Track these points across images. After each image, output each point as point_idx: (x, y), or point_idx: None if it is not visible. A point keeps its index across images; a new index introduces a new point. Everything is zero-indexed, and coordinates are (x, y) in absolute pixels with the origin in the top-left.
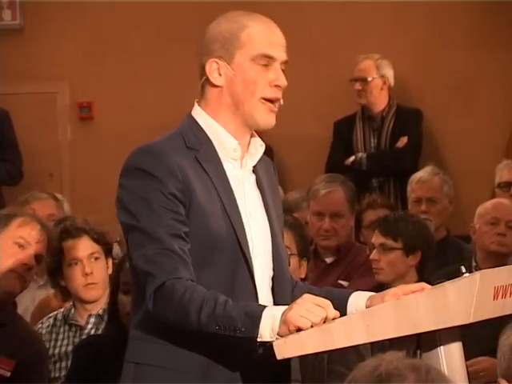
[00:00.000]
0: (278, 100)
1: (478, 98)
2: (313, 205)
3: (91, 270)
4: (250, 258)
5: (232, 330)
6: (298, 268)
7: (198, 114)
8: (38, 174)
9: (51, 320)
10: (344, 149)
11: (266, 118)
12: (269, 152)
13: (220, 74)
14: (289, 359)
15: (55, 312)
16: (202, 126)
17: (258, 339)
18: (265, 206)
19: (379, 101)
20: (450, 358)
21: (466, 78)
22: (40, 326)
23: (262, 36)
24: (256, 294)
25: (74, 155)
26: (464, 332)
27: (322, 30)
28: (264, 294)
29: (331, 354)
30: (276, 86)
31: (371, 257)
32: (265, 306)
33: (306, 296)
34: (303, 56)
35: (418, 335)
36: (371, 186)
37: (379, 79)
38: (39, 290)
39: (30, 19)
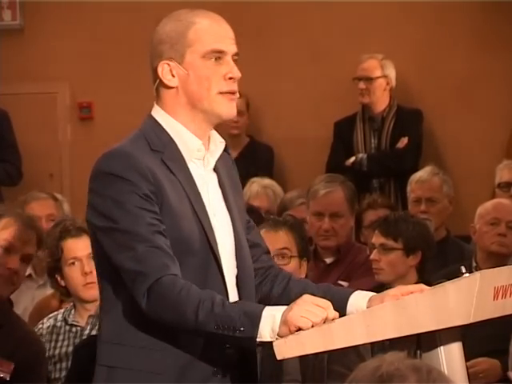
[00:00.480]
0: (234, 92)
1: (478, 98)
2: (312, 205)
3: (90, 269)
4: (220, 259)
5: (231, 329)
6: (298, 268)
7: (159, 114)
8: (38, 174)
9: (51, 321)
10: (344, 149)
11: (228, 108)
12: (269, 152)
13: (173, 75)
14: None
15: (55, 312)
16: (164, 127)
17: (258, 339)
18: (227, 204)
19: (381, 101)
20: (450, 358)
21: (466, 78)
22: (40, 326)
23: (210, 31)
24: (227, 292)
25: (74, 155)
26: (464, 332)
27: (323, 30)
28: (232, 293)
29: (331, 354)
30: (230, 78)
31: (371, 257)
32: (264, 306)
33: (306, 296)
34: (304, 56)
35: (418, 335)
36: (372, 187)
37: (383, 79)
38: (38, 289)
39: (30, 19)
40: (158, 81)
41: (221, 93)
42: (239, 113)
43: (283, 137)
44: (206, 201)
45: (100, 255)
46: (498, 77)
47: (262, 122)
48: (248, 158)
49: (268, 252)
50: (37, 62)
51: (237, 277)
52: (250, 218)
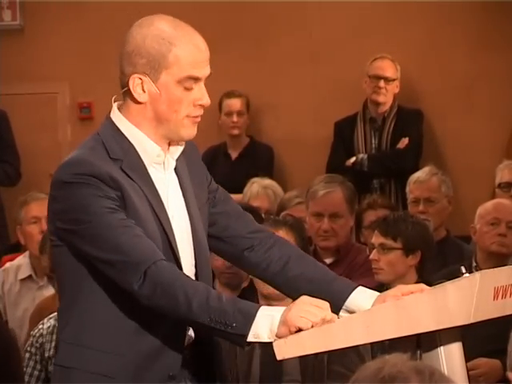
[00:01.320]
0: (200, 116)
1: (478, 98)
2: (312, 205)
3: None
4: (180, 260)
5: (223, 324)
6: None
7: (120, 120)
8: (37, 174)
9: (52, 321)
10: (345, 149)
11: (191, 131)
12: (269, 152)
13: (144, 90)
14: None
15: (56, 313)
16: (125, 133)
17: (253, 339)
18: (186, 204)
19: (389, 101)
20: (450, 358)
21: (466, 78)
22: (41, 326)
23: (189, 56)
24: None
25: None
26: (464, 332)
27: (323, 30)
28: None
29: (331, 354)
30: (200, 104)
31: (371, 257)
32: (259, 305)
33: (304, 297)
34: (303, 56)
35: (418, 335)
36: (372, 187)
37: (397, 81)
38: (39, 290)
39: (30, 19)
40: (126, 89)
41: (188, 116)
42: (239, 113)
43: (283, 137)
44: (165, 203)
45: (61, 258)
46: (499, 77)
47: (262, 122)
48: (248, 158)
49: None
50: (37, 62)
51: (195, 274)
52: (217, 187)
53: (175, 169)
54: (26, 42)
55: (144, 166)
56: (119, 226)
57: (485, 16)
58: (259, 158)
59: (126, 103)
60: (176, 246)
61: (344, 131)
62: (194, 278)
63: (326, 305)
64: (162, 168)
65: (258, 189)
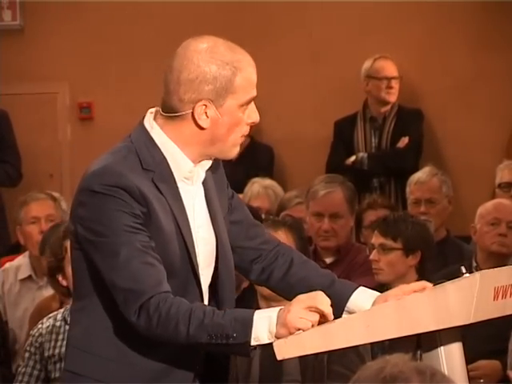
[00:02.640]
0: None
1: (478, 98)
2: (312, 205)
3: None
4: (199, 276)
5: (224, 337)
6: None
7: (157, 133)
8: (38, 174)
9: (51, 320)
10: (345, 148)
11: (236, 151)
12: (269, 152)
13: (207, 116)
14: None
15: (55, 312)
16: (158, 144)
17: (255, 342)
18: (212, 216)
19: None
20: (451, 358)
21: (466, 78)
22: (40, 326)
23: (250, 79)
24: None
25: (74, 155)
26: (464, 332)
27: (323, 30)
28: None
29: (331, 354)
30: (252, 122)
31: (371, 257)
32: (253, 310)
33: (300, 296)
34: (304, 56)
35: (418, 335)
36: (372, 186)
37: (400, 79)
38: (39, 290)
39: (30, 19)
40: (186, 113)
41: (242, 136)
42: None
43: (283, 137)
44: (190, 216)
45: (79, 262)
46: (499, 77)
47: (262, 123)
48: (248, 159)
49: (258, 224)
50: (37, 62)
51: (215, 286)
52: (232, 193)
53: (203, 180)
54: (26, 41)
55: (174, 179)
56: (134, 249)
57: (485, 16)
58: (259, 158)
59: (175, 123)
60: (196, 260)
61: (344, 131)
62: (213, 288)
63: (322, 298)
64: (191, 181)
65: (259, 189)
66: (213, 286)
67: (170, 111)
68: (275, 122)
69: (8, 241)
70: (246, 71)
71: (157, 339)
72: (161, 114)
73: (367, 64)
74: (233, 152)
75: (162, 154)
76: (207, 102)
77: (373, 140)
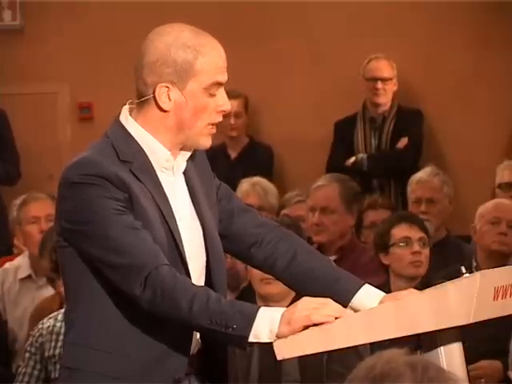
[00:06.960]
0: (217, 124)
1: (478, 98)
2: (308, 201)
3: None
4: (187, 264)
5: (224, 326)
6: None
7: (132, 125)
8: (38, 174)
9: (51, 321)
10: (344, 149)
11: (208, 141)
12: (268, 152)
13: (169, 99)
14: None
15: (56, 313)
16: (134, 136)
17: (254, 339)
18: (196, 206)
19: (389, 100)
20: (451, 358)
21: (466, 78)
22: (40, 326)
23: (214, 63)
24: None
25: (74, 155)
26: (465, 333)
27: (323, 31)
28: None
29: (331, 354)
30: (221, 110)
31: (416, 249)
32: (259, 306)
33: (305, 298)
34: (304, 56)
35: (418, 335)
36: (372, 187)
37: (395, 80)
38: (38, 290)
39: (30, 19)
40: (149, 97)
41: (209, 124)
42: (236, 114)
43: (283, 137)
44: (173, 206)
45: (67, 262)
46: (499, 77)
47: (261, 123)
48: (247, 159)
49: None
50: (37, 62)
51: (208, 275)
52: (219, 183)
53: (184, 171)
54: (26, 42)
55: (153, 169)
56: (124, 227)
57: (485, 16)
58: (259, 158)
59: (143, 110)
60: (183, 248)
61: (344, 131)
62: (205, 278)
63: (328, 303)
64: (171, 172)
65: (247, 187)
66: (206, 277)
67: (139, 97)
68: (275, 121)
69: (8, 241)
70: (209, 55)
71: (157, 314)
72: (135, 104)
73: (363, 65)
74: (203, 141)
75: (139, 145)
76: (169, 84)
77: (372, 141)
